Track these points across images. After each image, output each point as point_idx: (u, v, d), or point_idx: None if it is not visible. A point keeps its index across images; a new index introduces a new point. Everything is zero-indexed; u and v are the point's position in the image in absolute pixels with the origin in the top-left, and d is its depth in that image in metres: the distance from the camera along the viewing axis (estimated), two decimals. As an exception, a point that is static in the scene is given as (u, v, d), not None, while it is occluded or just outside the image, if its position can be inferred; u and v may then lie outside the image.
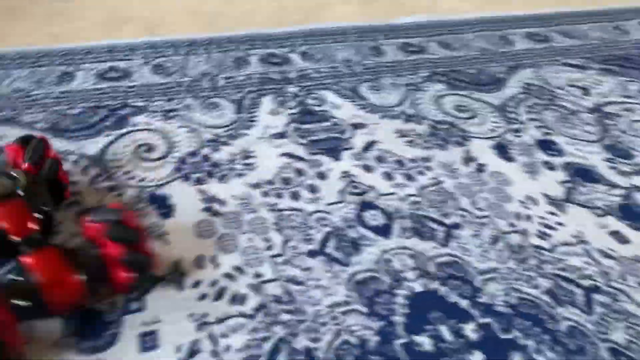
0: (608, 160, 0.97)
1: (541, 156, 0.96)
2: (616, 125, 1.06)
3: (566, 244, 0.79)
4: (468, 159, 0.94)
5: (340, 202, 0.83)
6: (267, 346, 0.63)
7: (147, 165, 0.87)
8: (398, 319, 0.67)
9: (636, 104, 1.14)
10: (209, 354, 0.61)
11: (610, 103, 1.13)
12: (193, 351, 0.61)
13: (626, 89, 1.19)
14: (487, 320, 0.67)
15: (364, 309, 0.68)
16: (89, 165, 0.86)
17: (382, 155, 0.93)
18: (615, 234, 0.81)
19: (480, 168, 0.92)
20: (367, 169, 0.90)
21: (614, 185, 0.91)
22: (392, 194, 0.85)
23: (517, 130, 1.02)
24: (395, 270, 0.73)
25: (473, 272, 0.73)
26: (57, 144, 0.89)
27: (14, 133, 0.89)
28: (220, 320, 0.65)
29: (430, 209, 0.83)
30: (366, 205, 0.83)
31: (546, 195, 0.87)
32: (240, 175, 0.86)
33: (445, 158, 0.94)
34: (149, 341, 0.62)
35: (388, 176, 0.89)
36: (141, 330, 0.63)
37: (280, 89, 1.09)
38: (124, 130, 0.94)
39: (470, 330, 0.66)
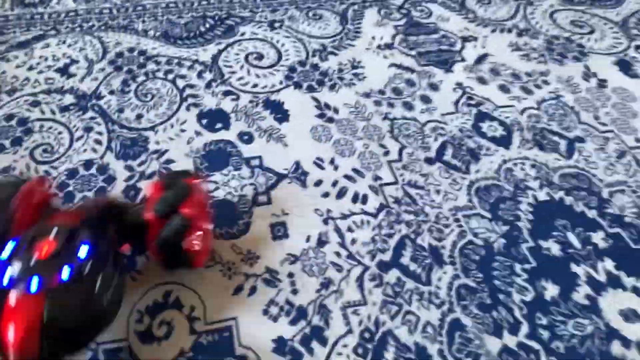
0: None
1: (668, 73, 0.90)
2: None
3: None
4: (588, 75, 0.89)
5: (455, 112, 0.81)
6: (392, 242, 0.63)
7: (259, 72, 0.87)
8: (523, 224, 0.66)
9: None
10: (337, 244, 0.63)
11: None
12: (322, 241, 0.63)
13: None
14: (616, 230, 0.65)
15: (487, 214, 0.67)
16: (203, 70, 0.87)
17: (496, 68, 0.90)
18: None
19: (602, 84, 0.87)
20: (482, 81, 0.87)
21: None
22: (509, 106, 0.82)
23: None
24: (517, 179, 0.71)
25: (599, 185, 0.71)
26: (170, 51, 0.90)
27: (128, 40, 0.92)
28: (345, 216, 0.66)
29: (550, 122, 0.80)
30: (483, 117, 0.80)
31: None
32: (350, 84, 0.86)
33: (563, 73, 0.89)
34: (279, 231, 0.64)
35: (504, 89, 0.86)
36: (272, 221, 0.65)
37: (383, 1, 1.06)
38: (233, 39, 0.94)
39: (599, 238, 0.65)
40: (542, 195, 0.69)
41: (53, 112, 0.78)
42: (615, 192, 0.70)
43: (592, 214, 0.67)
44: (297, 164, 0.72)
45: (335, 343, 0.54)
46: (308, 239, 0.63)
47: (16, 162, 0.70)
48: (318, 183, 0.70)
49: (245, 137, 0.75)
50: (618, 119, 0.80)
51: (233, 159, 0.72)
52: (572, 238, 0.64)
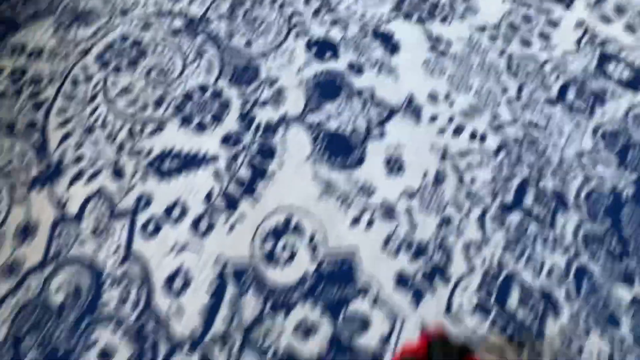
0: None
1: None
2: None
3: None
4: None
5: (576, 52, 0.76)
6: (514, 183, 0.61)
7: (367, 3, 0.84)
8: (655, 173, 0.62)
9: None
10: (455, 182, 0.61)
11: None
12: (439, 179, 0.61)
13: None
14: None
15: (615, 159, 0.63)
16: (309, -2, 0.84)
17: (623, 6, 0.82)
18: None
19: None
20: (606, 20, 0.81)
21: None
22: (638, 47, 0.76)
23: None
24: (648, 125, 0.67)
25: None
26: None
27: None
28: (463, 154, 0.64)
29: (685, 66, 0.73)
30: (607, 57, 0.75)
31: None
32: (462, 17, 0.81)
33: (700, 12, 0.81)
34: (394, 165, 0.63)
35: (631, 28, 0.79)
36: (386, 156, 0.64)
37: None
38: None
39: None
40: (676, 144, 0.65)
41: (164, 36, 0.78)
42: None
43: None
44: (411, 98, 0.69)
45: (458, 282, 0.53)
46: (425, 175, 0.62)
47: (133, 84, 0.71)
48: (433, 118, 0.67)
49: (356, 68, 0.73)
50: None
51: (344, 90, 0.70)
52: None
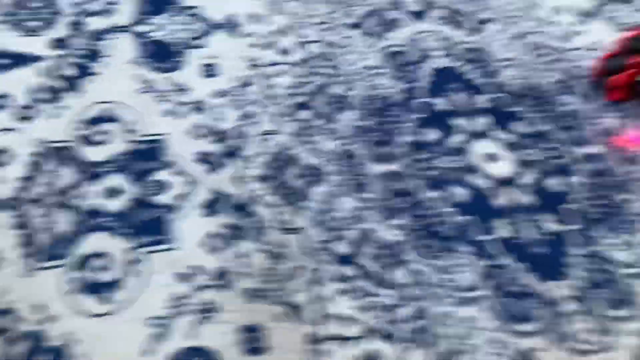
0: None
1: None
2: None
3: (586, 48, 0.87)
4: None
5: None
6: (308, 88, 0.74)
7: None
8: (421, 84, 0.77)
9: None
10: (260, 86, 0.73)
11: None
12: (246, 83, 0.73)
13: None
14: (498, 95, 0.78)
15: (393, 73, 0.78)
16: None
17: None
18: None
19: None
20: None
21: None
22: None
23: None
24: (424, 47, 0.82)
25: (492, 60, 0.82)
26: None
27: None
28: (270, 65, 0.75)
29: (461, 4, 0.89)
30: (405, -7, 0.89)
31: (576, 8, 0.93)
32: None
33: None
34: (209, 71, 0.73)
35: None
36: (203, 63, 0.74)
37: None
38: None
39: (482, 100, 0.77)
40: (443, 63, 0.80)
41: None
42: (505, 66, 0.82)
43: (480, 81, 0.79)
44: (232, 16, 0.79)
45: (250, 158, 0.65)
46: (235, 80, 0.72)
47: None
48: (249, 34, 0.78)
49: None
50: (525, 8, 0.90)
51: (173, 5, 0.79)
52: (459, 97, 0.76)
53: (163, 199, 0.61)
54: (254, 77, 0.73)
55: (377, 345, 0.53)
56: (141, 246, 0.57)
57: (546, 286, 0.60)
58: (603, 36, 0.86)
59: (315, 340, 0.52)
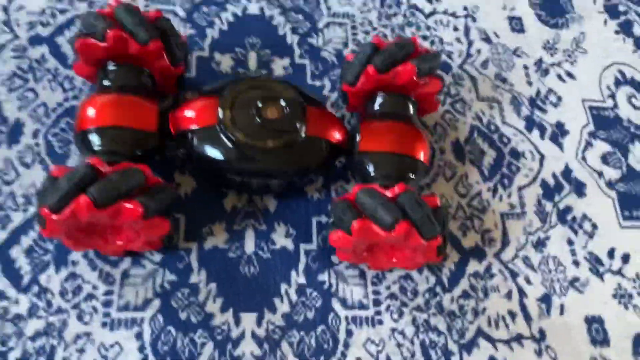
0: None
1: None
2: None
3: (447, 13, 0.69)
4: None
5: None
6: (60, 21, 0.60)
7: None
8: (212, 32, 0.62)
9: None
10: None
11: None
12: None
13: None
14: (304, 62, 0.63)
15: (183, 15, 0.63)
16: None
17: None
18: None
19: None
20: None
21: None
22: None
23: None
24: (237, -16, 0.65)
25: (322, 10, 0.66)
26: None
27: None
28: None
29: None
30: None
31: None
32: None
33: None
34: None
35: None
36: None
37: None
38: None
39: (280, 65, 0.62)
40: (254, 9, 0.64)
41: None
42: (330, 23, 0.65)
43: (294, 39, 0.64)
44: None
45: None
46: None
47: None
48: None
49: None
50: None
51: None
52: (252, 57, 0.62)
53: None
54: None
55: None
56: None
57: (230, 317, 0.49)
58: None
59: None
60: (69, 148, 0.53)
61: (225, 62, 0.61)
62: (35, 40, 0.58)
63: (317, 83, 0.62)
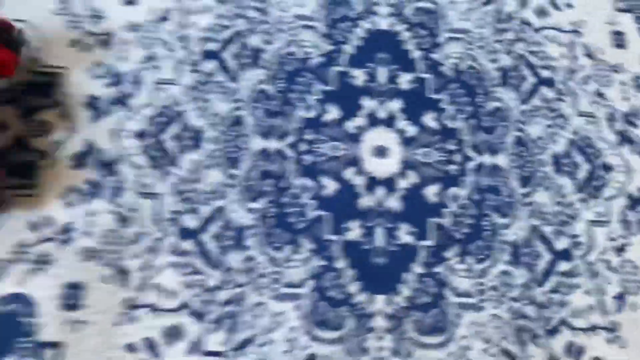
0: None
1: None
2: None
3: (559, 29, 0.76)
4: None
5: None
6: (225, 35, 0.71)
7: None
8: (348, 48, 0.72)
9: None
10: (175, 24, 0.71)
11: None
12: (163, 17, 0.71)
13: None
14: (425, 76, 0.72)
15: (324, 29, 0.73)
16: None
17: None
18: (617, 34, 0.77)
19: None
20: None
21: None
22: None
23: None
24: (370, 1, 0.74)
25: (442, 26, 0.74)
26: None
27: None
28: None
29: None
30: None
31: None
32: None
33: None
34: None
35: None
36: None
37: None
38: None
39: (405, 80, 0.72)
40: (384, 24, 0.74)
41: None
42: (452, 39, 0.74)
43: (417, 55, 0.73)
44: None
45: (135, 109, 0.67)
46: (155, 12, 0.70)
47: None
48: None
49: None
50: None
51: None
52: (381, 73, 0.72)
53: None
54: (173, 10, 0.71)
55: (184, 319, 0.60)
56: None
57: (366, 297, 0.64)
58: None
59: (131, 306, 0.60)
60: None
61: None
62: None
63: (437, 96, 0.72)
